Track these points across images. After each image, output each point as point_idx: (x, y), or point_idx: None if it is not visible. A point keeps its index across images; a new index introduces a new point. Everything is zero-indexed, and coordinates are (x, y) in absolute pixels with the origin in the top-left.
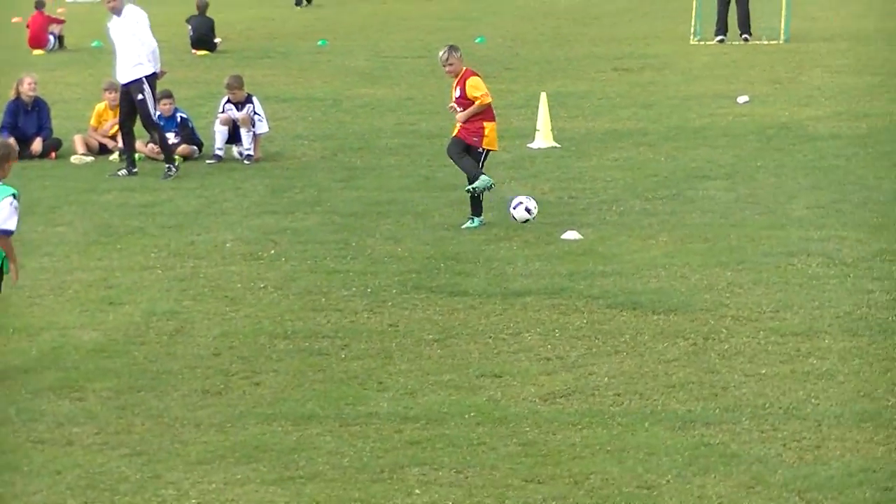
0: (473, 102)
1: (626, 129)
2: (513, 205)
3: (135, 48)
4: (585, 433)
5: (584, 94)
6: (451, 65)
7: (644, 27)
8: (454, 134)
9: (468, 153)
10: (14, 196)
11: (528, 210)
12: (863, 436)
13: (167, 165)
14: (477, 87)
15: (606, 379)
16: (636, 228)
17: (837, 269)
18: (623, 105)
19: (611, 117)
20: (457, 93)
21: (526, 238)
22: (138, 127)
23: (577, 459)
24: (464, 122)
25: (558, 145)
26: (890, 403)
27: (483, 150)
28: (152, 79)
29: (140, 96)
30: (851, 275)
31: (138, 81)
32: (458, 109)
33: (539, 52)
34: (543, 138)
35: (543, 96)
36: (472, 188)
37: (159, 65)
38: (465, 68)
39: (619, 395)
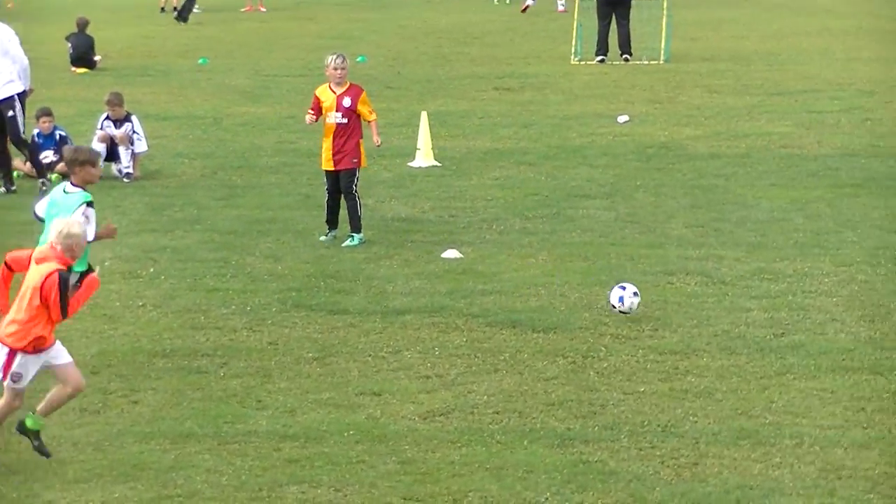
0: (356, 113)
1: (506, 148)
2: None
3: (6, 66)
4: (465, 451)
5: (465, 113)
6: (343, 69)
7: (525, 47)
8: (333, 168)
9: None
10: (88, 204)
11: (636, 294)
12: (740, 453)
13: (40, 180)
14: (369, 104)
15: (486, 397)
16: (516, 247)
17: (716, 287)
18: (504, 124)
19: (491, 136)
20: (346, 102)
21: (406, 257)
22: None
23: (456, 477)
24: (342, 148)
25: (439, 164)
26: (767, 421)
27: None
28: (23, 96)
29: (11, 113)
30: (729, 293)
31: (10, 99)
32: (339, 119)
33: (420, 72)
34: (424, 157)
35: (424, 115)
36: (354, 245)
37: (29, 82)
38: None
39: (498, 413)
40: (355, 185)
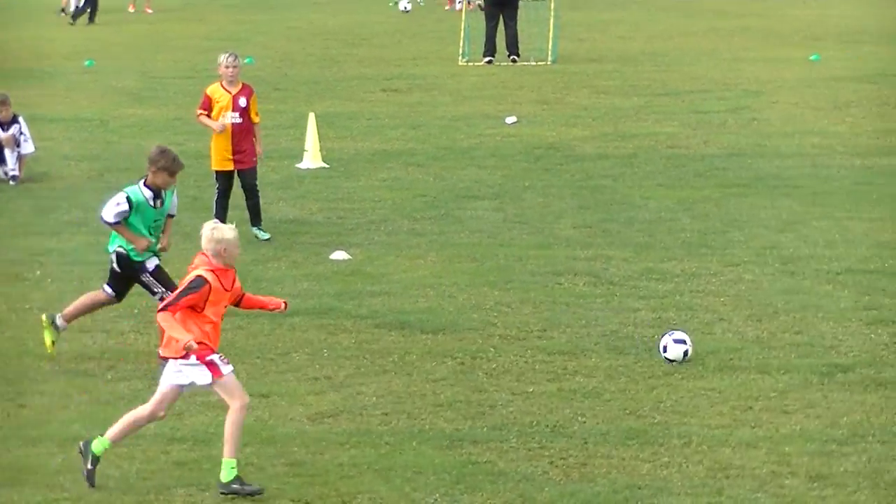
0: (248, 113)
1: (394, 149)
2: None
3: None
4: (353, 453)
5: (353, 114)
6: (236, 67)
7: (413, 48)
8: (234, 168)
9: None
10: (126, 197)
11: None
12: (628, 453)
13: None
14: (257, 106)
15: (374, 398)
16: (404, 248)
17: (604, 287)
18: (392, 125)
19: (379, 138)
20: (242, 102)
21: (294, 258)
22: None
23: (344, 479)
24: (242, 147)
25: (327, 165)
26: (655, 421)
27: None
28: None
29: None
30: (617, 293)
31: None
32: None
33: (308, 73)
34: (312, 159)
35: (312, 117)
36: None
37: None
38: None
39: (386, 415)
40: (257, 181)
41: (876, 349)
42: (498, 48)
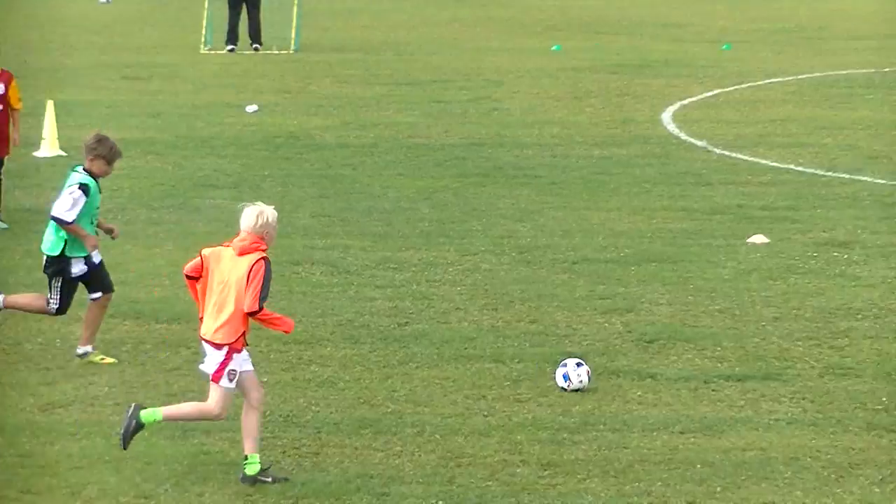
0: (7, 99)
1: (133, 137)
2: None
3: None
4: (84, 443)
5: (92, 102)
6: None
7: (154, 36)
8: None
9: None
10: (80, 186)
11: (579, 363)
12: (361, 442)
13: None
14: (18, 92)
15: (107, 388)
16: (141, 237)
17: (341, 277)
18: (131, 114)
19: (118, 126)
20: (0, 89)
21: (29, 248)
22: None
23: (74, 470)
24: (1, 134)
25: (65, 154)
26: (389, 410)
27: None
28: None
29: None
30: (355, 283)
31: None
32: None
33: (47, 61)
34: (50, 147)
35: (50, 105)
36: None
37: None
38: None
39: (118, 405)
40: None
41: (609, 338)
42: (241, 36)
